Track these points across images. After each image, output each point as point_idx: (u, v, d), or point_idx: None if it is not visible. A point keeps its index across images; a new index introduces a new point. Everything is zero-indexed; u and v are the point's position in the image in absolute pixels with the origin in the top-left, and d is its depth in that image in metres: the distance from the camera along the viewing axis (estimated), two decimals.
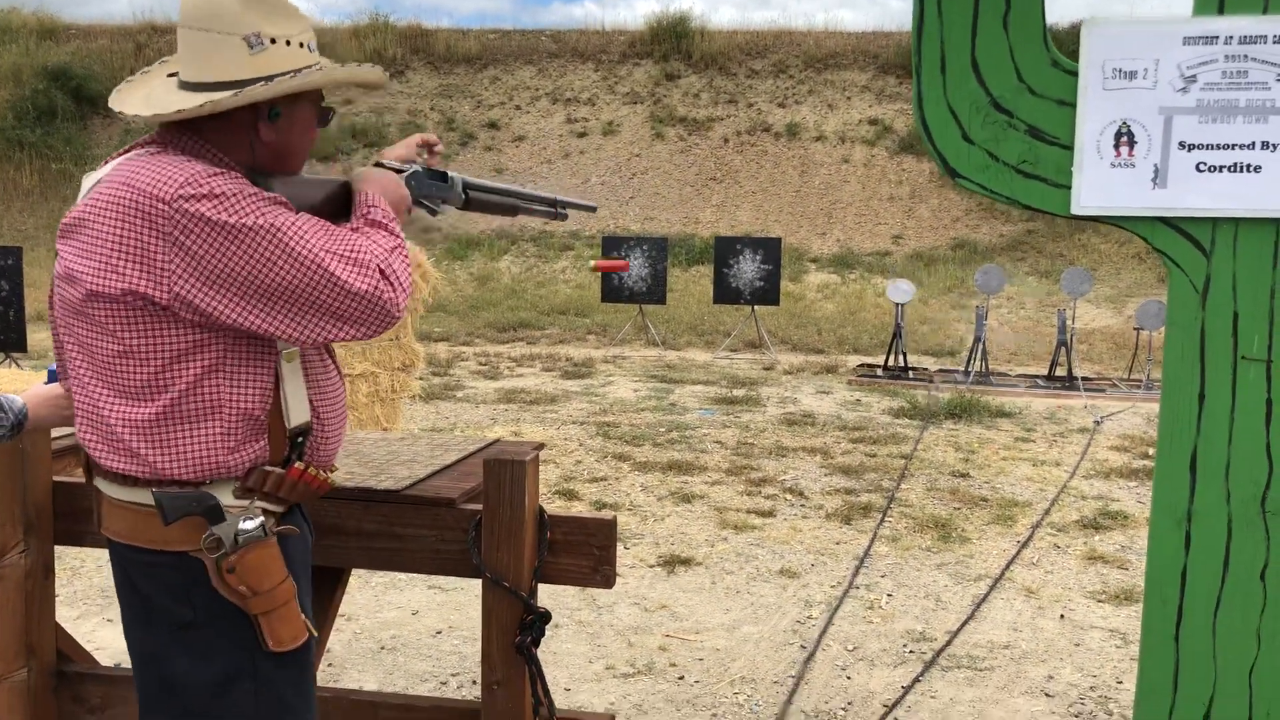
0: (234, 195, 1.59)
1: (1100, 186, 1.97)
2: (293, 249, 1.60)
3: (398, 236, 1.75)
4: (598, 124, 23.02)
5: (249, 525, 1.66)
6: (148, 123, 1.71)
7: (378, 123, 23.25)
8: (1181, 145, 1.92)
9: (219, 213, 1.57)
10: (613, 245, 13.97)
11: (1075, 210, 2.00)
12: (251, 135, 1.71)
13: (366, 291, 1.63)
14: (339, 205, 1.82)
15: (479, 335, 14.50)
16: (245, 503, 1.70)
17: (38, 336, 12.71)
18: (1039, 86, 1.98)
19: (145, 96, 1.74)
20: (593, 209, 2.47)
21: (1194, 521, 2.01)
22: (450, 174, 2.05)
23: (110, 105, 1.76)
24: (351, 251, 1.64)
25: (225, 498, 1.69)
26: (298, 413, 1.75)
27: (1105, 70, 1.93)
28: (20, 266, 9.91)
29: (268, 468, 1.72)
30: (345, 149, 22.64)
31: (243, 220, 1.57)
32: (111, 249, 1.59)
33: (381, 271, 1.65)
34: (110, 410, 1.66)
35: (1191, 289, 1.97)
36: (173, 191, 1.57)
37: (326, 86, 1.78)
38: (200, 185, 1.58)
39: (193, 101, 1.65)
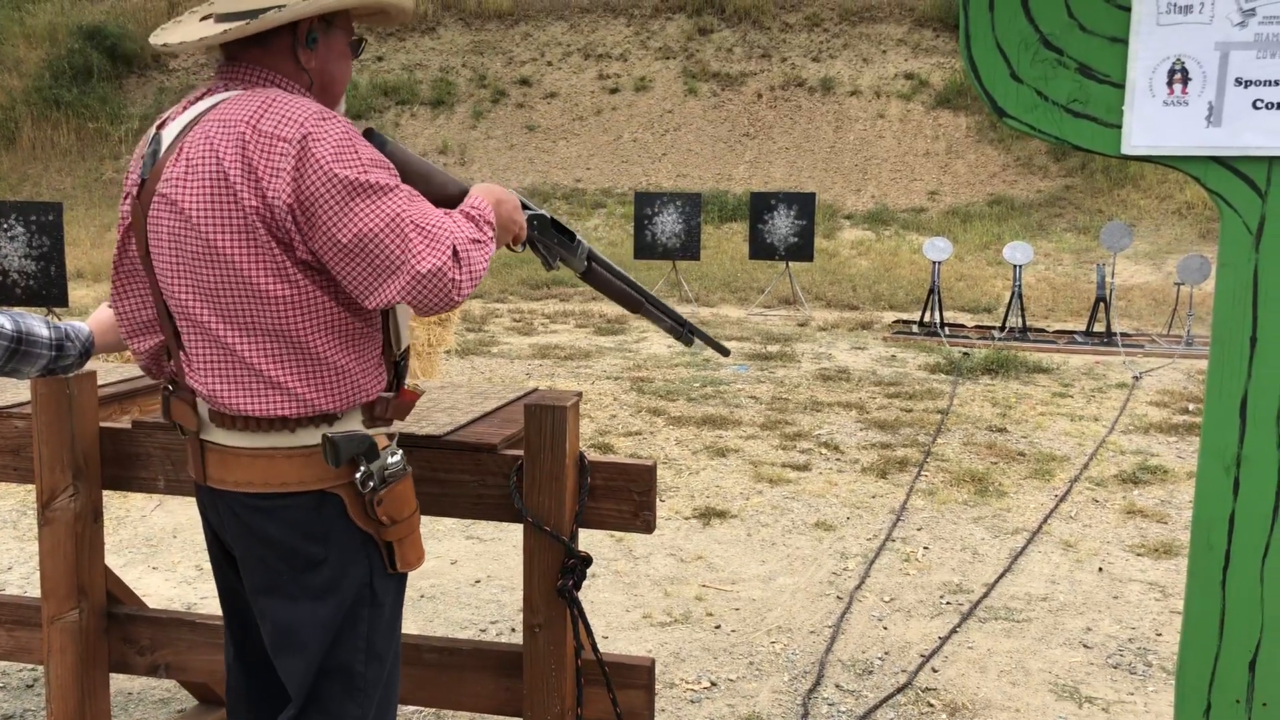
0: (347, 146, 1.62)
1: (1152, 126, 1.92)
2: (382, 210, 1.61)
3: (486, 236, 1.73)
4: (630, 80, 22.83)
5: (394, 460, 1.78)
6: (194, 49, 1.74)
7: (409, 80, 23.20)
8: (1238, 81, 1.86)
9: (333, 161, 1.60)
10: (646, 202, 13.91)
11: (1125, 150, 1.95)
12: (294, 64, 1.76)
13: (432, 268, 1.61)
14: (449, 204, 1.83)
15: (512, 292, 14.51)
16: (384, 432, 1.80)
17: (78, 293, 12.86)
18: (1090, 22, 1.93)
19: (185, 34, 1.77)
20: (725, 352, 2.34)
21: (1243, 467, 1.98)
22: (579, 237, 2.09)
23: (151, 41, 1.79)
24: (431, 225, 1.63)
25: (356, 427, 1.77)
26: (403, 338, 1.85)
27: (1160, 4, 1.87)
28: (61, 222, 9.99)
29: (385, 394, 1.80)
30: (377, 106, 22.63)
31: (347, 173, 1.60)
32: (242, 183, 1.61)
33: (454, 251, 1.64)
34: (250, 352, 1.68)
35: (1245, 230, 1.93)
36: (293, 132, 1.60)
37: (361, 6, 1.81)
38: (318, 126, 1.62)
39: (236, 23, 1.68)
